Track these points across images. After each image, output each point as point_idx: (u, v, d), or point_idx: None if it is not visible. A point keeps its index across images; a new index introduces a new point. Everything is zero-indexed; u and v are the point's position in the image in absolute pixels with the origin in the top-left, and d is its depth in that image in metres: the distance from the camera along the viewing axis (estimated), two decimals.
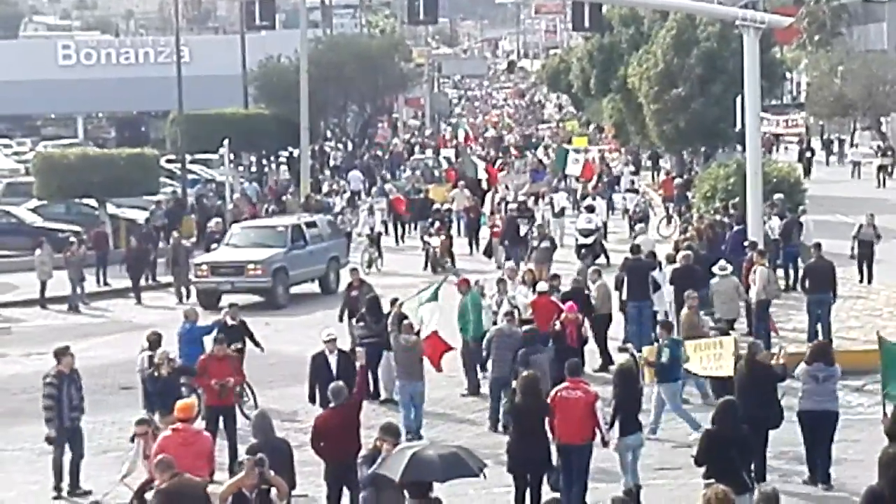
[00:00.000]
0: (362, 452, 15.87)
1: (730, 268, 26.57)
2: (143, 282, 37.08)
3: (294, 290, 35.45)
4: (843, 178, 60.14)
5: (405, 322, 22.37)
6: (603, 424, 17.11)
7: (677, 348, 20.89)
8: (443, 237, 39.27)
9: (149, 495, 15.42)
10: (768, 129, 62.38)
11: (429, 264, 38.75)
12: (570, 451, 17.10)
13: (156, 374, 20.02)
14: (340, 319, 26.50)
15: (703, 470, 15.26)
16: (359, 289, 26.58)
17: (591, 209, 39.01)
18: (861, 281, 32.37)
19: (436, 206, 43.80)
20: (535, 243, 34.06)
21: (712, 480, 13.97)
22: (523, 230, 38.43)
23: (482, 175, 48.39)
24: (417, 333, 22.28)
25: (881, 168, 58.05)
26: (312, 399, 20.76)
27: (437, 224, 40.22)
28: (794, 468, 19.10)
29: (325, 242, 36.73)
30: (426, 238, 40.11)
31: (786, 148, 67.73)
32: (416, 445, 14.88)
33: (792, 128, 61.43)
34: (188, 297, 35.30)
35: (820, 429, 18.25)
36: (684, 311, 23.35)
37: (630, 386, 17.91)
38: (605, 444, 17.41)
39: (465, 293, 24.83)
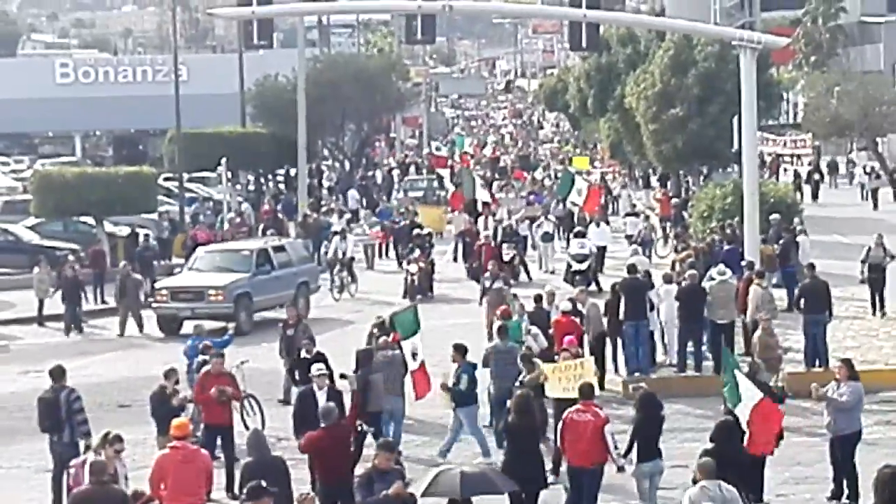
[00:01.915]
0: (357, 472, 15.88)
1: (729, 272, 26.75)
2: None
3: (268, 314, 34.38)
4: (847, 201, 59.66)
5: (383, 339, 22.35)
6: (613, 449, 17.00)
7: (474, 372, 21.08)
8: (421, 264, 37.61)
9: None
10: (773, 150, 62.50)
11: (406, 292, 36.82)
12: (579, 473, 17.11)
13: (164, 399, 19.97)
14: (282, 356, 25.40)
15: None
16: (295, 326, 25.28)
17: (582, 234, 38.20)
18: (874, 313, 30.98)
19: (415, 231, 41.89)
20: (487, 283, 31.02)
21: None
22: (509, 255, 37.88)
23: (480, 195, 47.48)
24: (400, 347, 22.14)
25: (875, 191, 58.02)
26: (298, 436, 19.84)
27: (416, 250, 38.69)
28: (791, 489, 19.13)
29: (295, 267, 35.40)
30: (405, 265, 39.02)
31: (784, 169, 67.79)
32: (445, 468, 15.08)
33: (799, 148, 61.48)
34: (141, 329, 33.98)
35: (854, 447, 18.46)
36: (758, 332, 23.35)
37: (651, 412, 17.73)
38: (618, 469, 17.36)
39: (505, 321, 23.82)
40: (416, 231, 41.60)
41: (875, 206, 56.82)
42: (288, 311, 26.56)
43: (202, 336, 24.11)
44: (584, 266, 36.13)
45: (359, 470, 16.37)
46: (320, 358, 22.12)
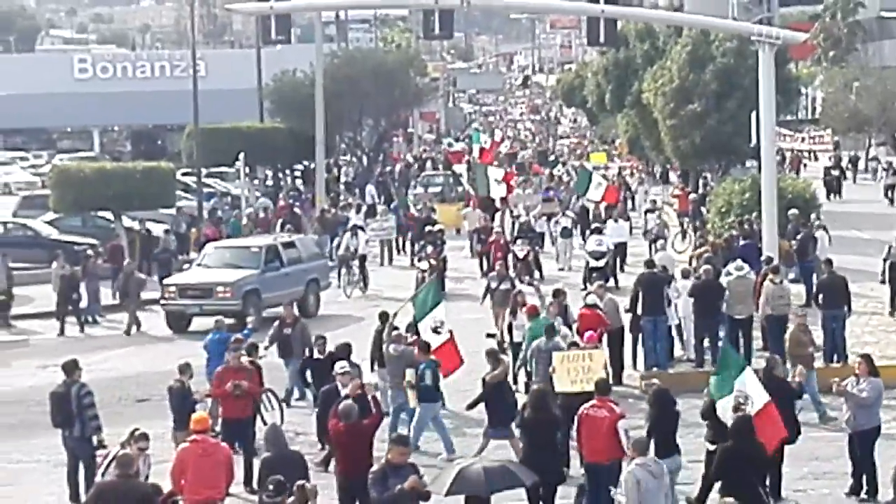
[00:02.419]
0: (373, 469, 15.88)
1: (746, 267, 26.71)
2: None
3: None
4: (869, 197, 58.91)
5: (395, 332, 22.36)
6: (627, 445, 16.63)
7: (437, 369, 21.18)
8: (432, 261, 36.12)
9: None
10: (792, 146, 62.18)
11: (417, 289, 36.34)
12: (595, 470, 16.98)
13: (186, 394, 19.99)
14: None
15: (717, 486, 15.27)
16: (292, 325, 24.80)
17: (599, 231, 37.47)
18: (892, 313, 30.15)
19: (427, 227, 40.91)
20: (493, 284, 29.78)
21: (731, 499, 13.97)
22: (523, 251, 37.37)
23: (495, 192, 45.67)
24: (413, 343, 22.03)
25: (891, 187, 57.32)
26: (322, 438, 19.69)
27: (428, 248, 37.71)
28: (809, 484, 19.12)
29: (305, 264, 34.97)
30: (415, 262, 38.09)
31: (804, 165, 67.47)
32: (465, 462, 15.05)
33: (818, 144, 61.15)
34: (139, 328, 33.70)
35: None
36: (792, 327, 23.06)
37: (666, 408, 17.64)
38: None
39: (532, 318, 23.70)
40: (427, 228, 41.01)
41: (891, 202, 56.36)
42: (285, 310, 25.62)
43: (223, 330, 24.07)
44: (601, 263, 35.51)
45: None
46: (340, 356, 21.31)
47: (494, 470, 14.77)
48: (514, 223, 42.39)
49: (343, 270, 38.47)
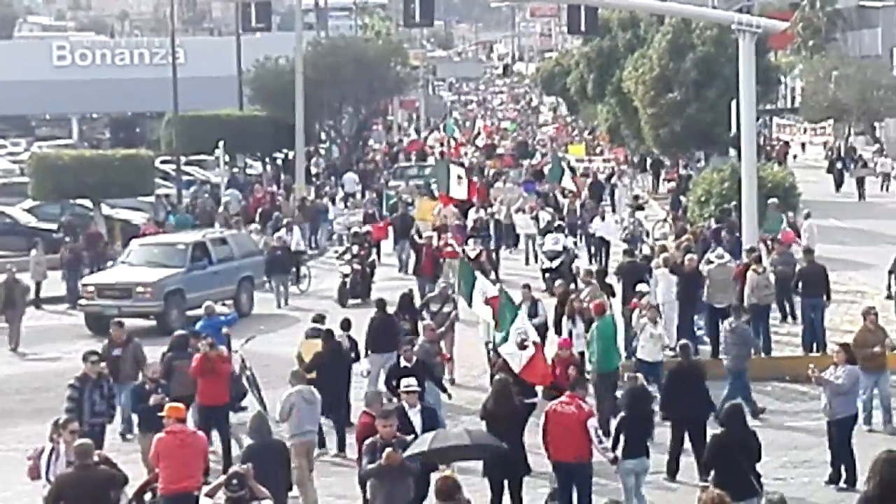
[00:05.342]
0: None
1: (727, 256, 26.70)
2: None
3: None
4: (849, 188, 58.62)
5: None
6: (598, 443, 16.51)
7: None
8: (356, 266, 34.31)
9: (148, 497, 15.50)
10: (791, 137, 62.14)
11: (339, 296, 33.55)
12: (562, 468, 16.67)
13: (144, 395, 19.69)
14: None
15: (697, 476, 15.29)
16: (123, 346, 22.06)
17: (559, 229, 35.96)
18: None
19: (354, 229, 38.74)
20: (434, 307, 25.95)
21: (709, 485, 13.96)
22: (474, 252, 36.07)
23: (455, 192, 40.19)
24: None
25: (860, 180, 56.96)
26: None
27: (356, 248, 35.37)
28: (789, 473, 19.17)
29: (237, 261, 33.22)
30: (339, 265, 35.64)
31: (794, 156, 67.21)
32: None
33: (819, 136, 61.22)
34: (16, 346, 30.13)
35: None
36: (861, 325, 22.14)
37: (638, 408, 17.46)
38: (612, 461, 16.88)
39: (600, 317, 21.91)
40: (354, 229, 38.71)
41: (861, 196, 55.93)
42: (114, 330, 22.61)
43: (213, 316, 24.00)
44: (555, 264, 33.35)
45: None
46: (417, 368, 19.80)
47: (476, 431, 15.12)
48: (488, 221, 40.52)
49: (272, 282, 34.84)
